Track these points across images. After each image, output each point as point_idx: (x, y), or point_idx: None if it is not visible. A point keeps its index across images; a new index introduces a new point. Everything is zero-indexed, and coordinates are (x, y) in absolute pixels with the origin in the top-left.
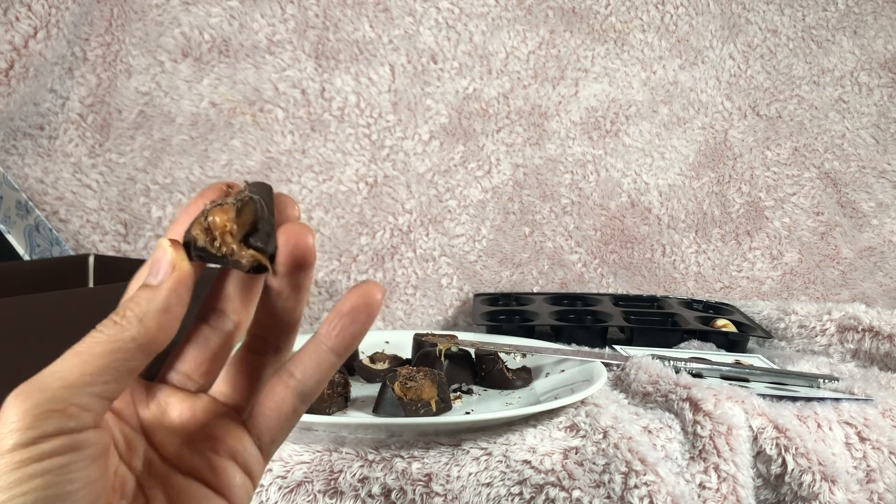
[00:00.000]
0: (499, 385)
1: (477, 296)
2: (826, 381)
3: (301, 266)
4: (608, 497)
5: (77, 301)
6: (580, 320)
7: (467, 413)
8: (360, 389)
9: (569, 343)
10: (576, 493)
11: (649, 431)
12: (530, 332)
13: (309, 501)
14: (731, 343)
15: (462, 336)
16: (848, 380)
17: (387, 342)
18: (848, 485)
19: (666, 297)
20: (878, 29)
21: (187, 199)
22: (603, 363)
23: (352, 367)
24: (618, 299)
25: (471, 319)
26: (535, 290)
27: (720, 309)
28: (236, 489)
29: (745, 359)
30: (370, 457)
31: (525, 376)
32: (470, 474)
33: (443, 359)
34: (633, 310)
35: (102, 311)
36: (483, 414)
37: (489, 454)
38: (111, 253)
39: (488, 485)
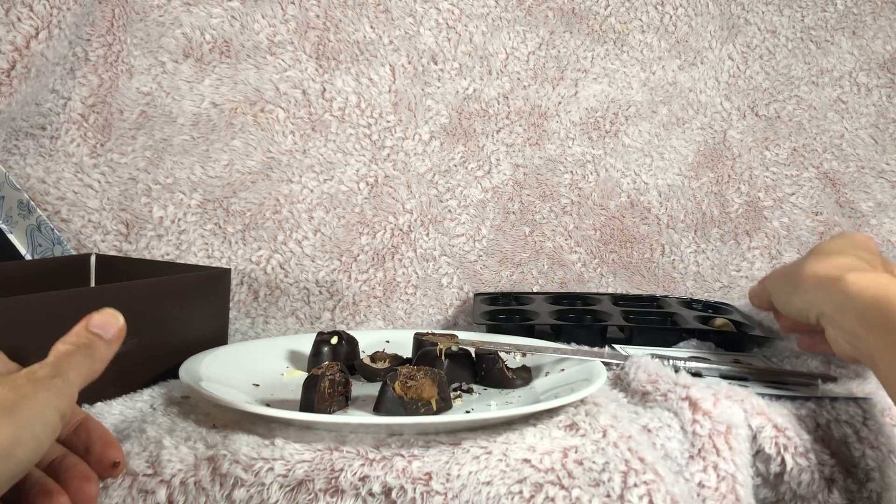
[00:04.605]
0: (499, 384)
1: (477, 295)
2: (825, 380)
3: None
4: (607, 496)
5: (79, 300)
6: (580, 320)
7: (467, 412)
8: (360, 388)
9: (568, 342)
10: (575, 492)
11: (648, 430)
12: (530, 332)
13: (310, 500)
14: (730, 342)
15: (462, 335)
16: (846, 379)
17: (387, 341)
18: (847, 484)
19: (665, 296)
20: (877, 29)
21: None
22: (602, 362)
23: (352, 366)
24: (617, 299)
25: (471, 319)
26: (534, 290)
27: (719, 308)
28: None
29: (744, 358)
30: (371, 455)
31: (525, 375)
32: (470, 473)
33: (443, 358)
34: (633, 309)
35: None
36: (483, 413)
37: (489, 453)
38: (113, 252)
39: (488, 483)
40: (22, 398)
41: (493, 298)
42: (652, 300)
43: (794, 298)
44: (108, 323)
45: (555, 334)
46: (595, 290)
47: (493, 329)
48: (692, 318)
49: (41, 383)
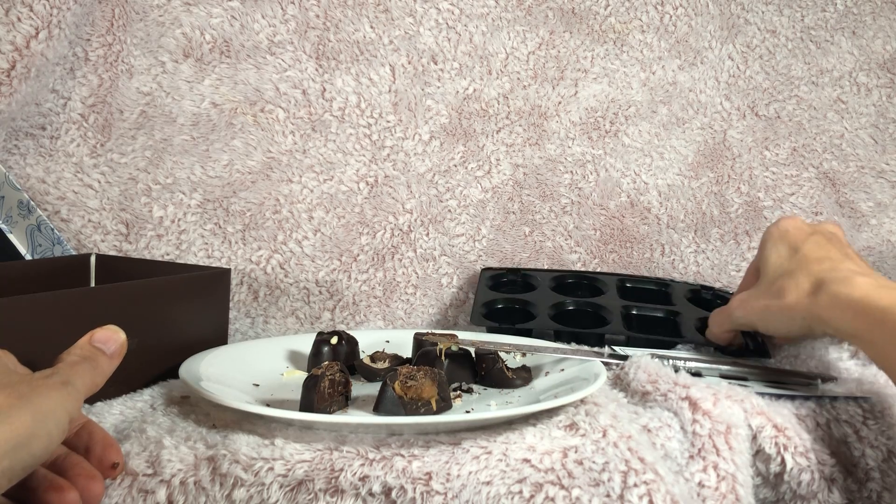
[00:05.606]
0: (499, 384)
1: (484, 270)
2: (824, 380)
3: None
4: (607, 496)
5: (78, 300)
6: (580, 322)
7: (467, 412)
8: (360, 388)
9: (568, 342)
10: (575, 492)
11: (648, 430)
12: (529, 331)
13: (310, 500)
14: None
15: (462, 335)
16: (847, 379)
17: (387, 341)
18: (847, 484)
19: (672, 281)
20: (877, 29)
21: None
22: (602, 362)
23: (352, 366)
24: (624, 281)
25: (470, 319)
26: (540, 268)
27: (727, 299)
28: None
29: (744, 358)
30: (371, 455)
31: (525, 375)
32: (470, 473)
33: (443, 358)
34: (636, 303)
35: (104, 311)
36: (483, 413)
37: (489, 453)
38: (113, 252)
39: (488, 483)
40: (39, 396)
41: (500, 275)
42: (661, 286)
43: (794, 326)
44: (110, 339)
45: (554, 334)
46: (602, 270)
47: (492, 331)
48: (694, 322)
49: (53, 386)
